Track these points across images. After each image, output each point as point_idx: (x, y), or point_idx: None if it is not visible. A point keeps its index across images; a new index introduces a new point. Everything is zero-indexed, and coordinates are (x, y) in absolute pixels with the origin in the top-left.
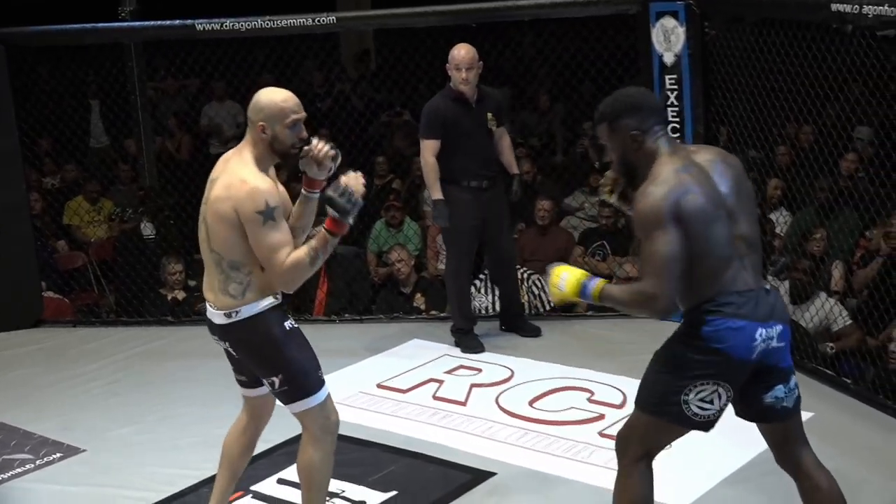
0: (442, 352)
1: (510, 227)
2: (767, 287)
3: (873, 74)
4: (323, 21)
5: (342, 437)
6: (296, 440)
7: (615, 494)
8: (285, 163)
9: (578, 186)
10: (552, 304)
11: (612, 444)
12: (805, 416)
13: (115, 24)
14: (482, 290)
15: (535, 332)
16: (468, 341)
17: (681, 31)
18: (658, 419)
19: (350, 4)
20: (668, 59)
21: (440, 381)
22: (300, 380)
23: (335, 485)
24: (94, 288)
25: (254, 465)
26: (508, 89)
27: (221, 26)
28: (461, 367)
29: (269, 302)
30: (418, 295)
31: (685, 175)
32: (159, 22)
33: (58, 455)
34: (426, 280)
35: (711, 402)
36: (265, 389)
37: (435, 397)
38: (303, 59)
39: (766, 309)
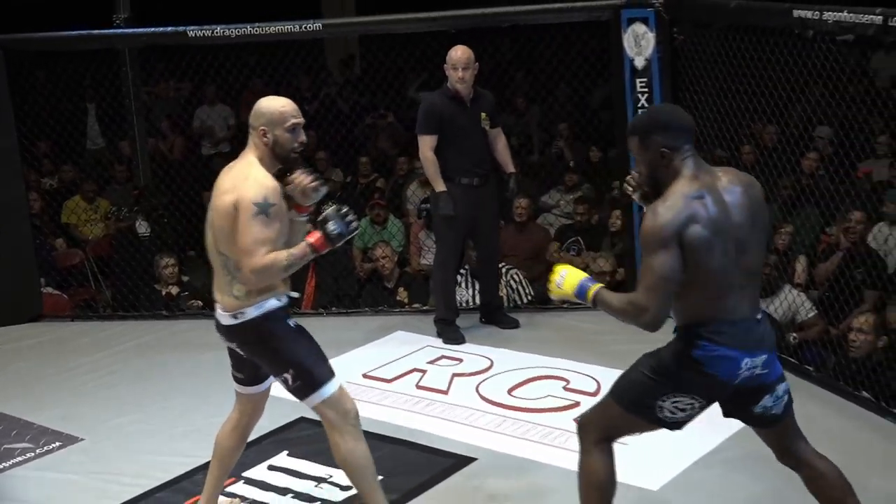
0: (424, 343)
1: (498, 224)
2: (759, 316)
3: (833, 77)
4: (309, 28)
5: None
6: (285, 428)
7: (579, 475)
8: (286, 167)
9: (554, 185)
10: (530, 298)
11: None
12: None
13: (109, 30)
14: (463, 284)
15: (514, 324)
16: (450, 333)
17: (651, 37)
18: (629, 414)
19: (335, 11)
20: (639, 62)
21: (423, 371)
22: (311, 374)
23: (324, 470)
24: (91, 284)
25: (245, 453)
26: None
27: (212, 33)
28: (443, 357)
29: (273, 303)
30: (401, 289)
31: (696, 202)
32: (152, 28)
33: (57, 444)
34: (409, 275)
35: (683, 411)
36: (260, 388)
37: (418, 386)
38: (291, 65)
39: (756, 338)
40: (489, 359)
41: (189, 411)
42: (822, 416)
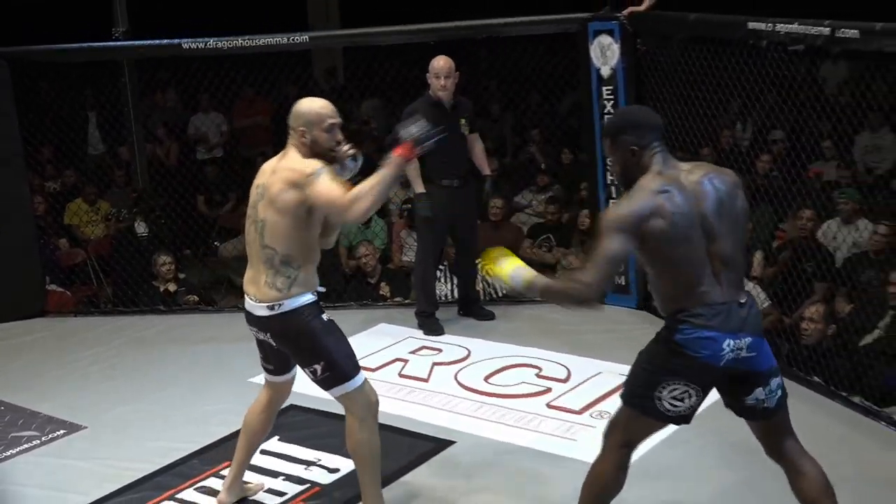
0: (406, 334)
1: (476, 223)
2: (742, 300)
3: (785, 84)
4: (296, 40)
5: (318, 412)
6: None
7: (588, 470)
8: (325, 164)
9: (527, 186)
10: (505, 291)
11: (558, 413)
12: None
13: (109, 43)
14: (441, 280)
15: (490, 317)
16: (430, 325)
17: (616, 48)
18: (634, 411)
19: (321, 22)
20: (605, 72)
21: (405, 361)
22: (340, 366)
23: (313, 454)
24: (93, 281)
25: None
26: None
27: (206, 45)
28: (424, 347)
29: (309, 297)
30: (383, 284)
31: (660, 196)
32: (149, 41)
33: (61, 432)
34: (391, 271)
35: (682, 401)
36: (288, 376)
37: (400, 375)
38: (280, 74)
39: (737, 321)
40: (467, 349)
41: (185, 400)
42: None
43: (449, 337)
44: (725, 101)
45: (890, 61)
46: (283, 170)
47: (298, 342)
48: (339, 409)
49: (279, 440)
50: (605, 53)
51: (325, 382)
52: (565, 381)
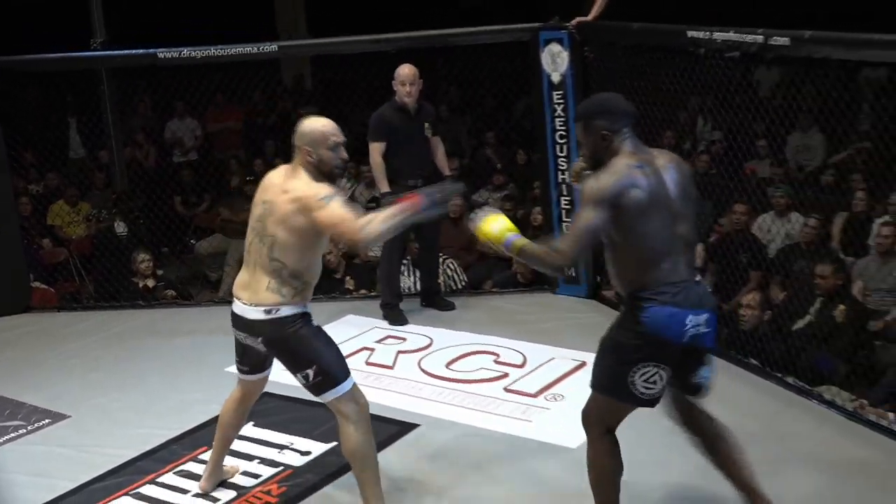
0: (372, 325)
1: (439, 220)
2: (697, 279)
3: (722, 88)
4: (266, 49)
5: (290, 399)
6: None
7: (588, 464)
8: (331, 182)
9: (483, 185)
10: (464, 283)
11: (514, 397)
12: None
13: (88, 53)
14: (405, 273)
15: (450, 307)
16: (394, 315)
17: (565, 55)
18: (610, 398)
19: (289, 30)
20: (555, 77)
21: (371, 349)
22: (331, 372)
23: (286, 438)
24: (75, 278)
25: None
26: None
27: (180, 54)
28: (389, 336)
29: (303, 308)
30: (348, 278)
31: (636, 171)
32: (126, 51)
33: (47, 421)
34: (357, 266)
35: (654, 383)
36: (260, 375)
37: (367, 363)
38: (250, 81)
39: (696, 298)
40: (429, 337)
41: (164, 390)
42: (716, 380)
43: (412, 327)
44: (668, 104)
45: (818, 66)
46: (293, 191)
47: (290, 347)
48: (309, 396)
49: (254, 426)
50: (556, 60)
51: (317, 388)
52: (521, 366)
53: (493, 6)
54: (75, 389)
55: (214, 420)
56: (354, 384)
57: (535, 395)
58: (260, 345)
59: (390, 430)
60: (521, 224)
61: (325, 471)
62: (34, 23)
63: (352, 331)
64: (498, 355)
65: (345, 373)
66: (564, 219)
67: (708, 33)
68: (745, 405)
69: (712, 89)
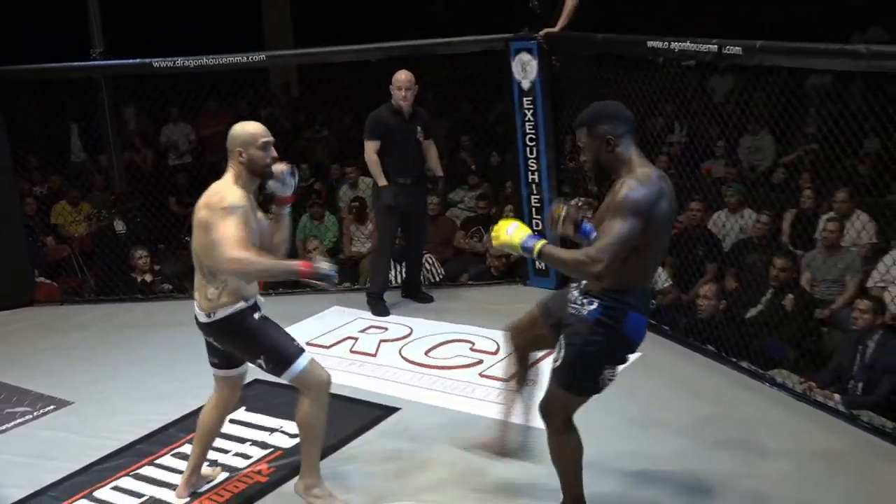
0: (356, 316)
1: (426, 217)
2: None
3: (679, 94)
4: (255, 59)
5: (279, 385)
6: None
7: (552, 451)
8: (264, 181)
9: (459, 185)
10: (441, 276)
11: (489, 382)
12: (635, 356)
13: (87, 62)
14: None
15: (429, 299)
16: (378, 307)
17: (534, 63)
18: (580, 397)
19: (277, 40)
20: (525, 84)
21: (355, 339)
22: (280, 355)
23: (275, 422)
24: (77, 274)
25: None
26: None
27: (174, 63)
28: (372, 326)
29: (240, 305)
30: None
31: (662, 182)
32: (123, 60)
33: (51, 407)
34: (342, 261)
35: (613, 378)
36: (234, 372)
37: (351, 351)
38: (241, 89)
39: (648, 304)
40: (409, 327)
41: (161, 378)
42: (676, 365)
43: (394, 317)
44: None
45: (768, 74)
46: (207, 194)
47: (237, 343)
48: None
49: (246, 410)
50: (526, 69)
51: (274, 371)
52: (495, 353)
53: (467, 18)
54: (78, 377)
55: (175, 422)
56: (312, 360)
57: (507, 380)
58: (215, 343)
59: (373, 413)
60: (495, 221)
61: None
62: (34, 23)
63: (337, 321)
64: (473, 343)
65: (297, 352)
66: (534, 216)
67: (666, 43)
68: (702, 389)
69: (671, 95)
